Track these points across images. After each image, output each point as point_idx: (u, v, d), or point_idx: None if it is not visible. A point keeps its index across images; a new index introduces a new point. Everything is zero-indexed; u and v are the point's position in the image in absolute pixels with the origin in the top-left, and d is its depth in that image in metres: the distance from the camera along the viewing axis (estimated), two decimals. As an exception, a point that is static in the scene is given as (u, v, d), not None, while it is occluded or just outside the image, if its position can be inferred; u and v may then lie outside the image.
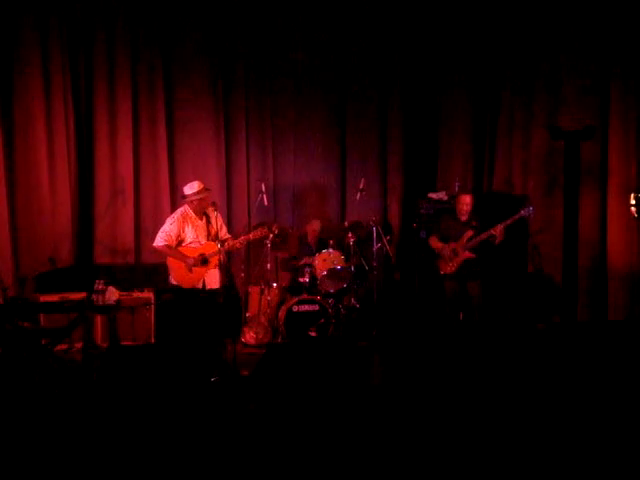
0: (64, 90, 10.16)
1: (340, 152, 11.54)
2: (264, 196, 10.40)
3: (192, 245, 8.74)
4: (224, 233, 8.89)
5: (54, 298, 9.06)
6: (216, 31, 10.81)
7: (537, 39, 10.66)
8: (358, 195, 10.60)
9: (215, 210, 8.74)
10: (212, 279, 8.65)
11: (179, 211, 8.89)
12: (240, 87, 11.08)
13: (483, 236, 9.21)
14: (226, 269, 8.77)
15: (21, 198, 9.97)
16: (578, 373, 7.81)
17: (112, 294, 8.01)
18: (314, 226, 10.74)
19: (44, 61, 10.00)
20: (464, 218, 9.50)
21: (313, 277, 10.15)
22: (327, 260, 10.17)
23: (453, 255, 9.40)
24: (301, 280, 10.19)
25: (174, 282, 8.82)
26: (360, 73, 11.35)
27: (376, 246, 10.36)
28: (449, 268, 9.45)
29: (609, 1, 10.26)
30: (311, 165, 11.43)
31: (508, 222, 9.17)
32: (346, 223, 10.81)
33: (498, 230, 9.11)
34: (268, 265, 10.21)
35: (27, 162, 9.99)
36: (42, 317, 9.18)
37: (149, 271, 10.19)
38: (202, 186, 8.82)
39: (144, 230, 10.63)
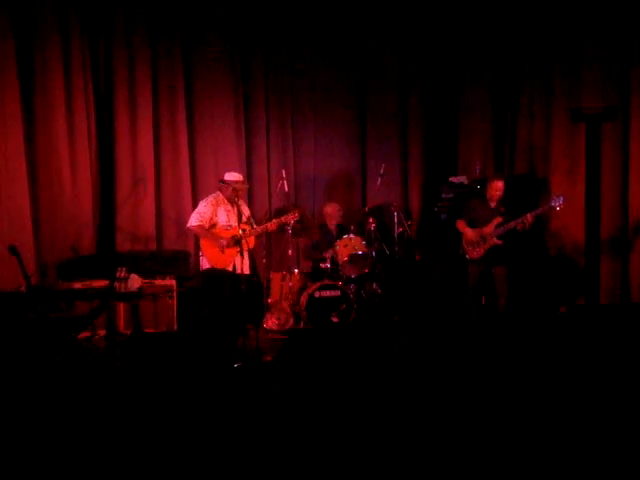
0: (84, 79, 10.16)
1: (360, 138, 11.52)
2: (284, 182, 10.40)
3: (224, 228, 8.94)
4: (256, 226, 9.08)
5: (77, 286, 9.11)
6: (236, 19, 10.80)
7: (557, 23, 10.59)
8: (379, 180, 10.58)
9: (243, 203, 9.08)
10: (239, 264, 8.68)
11: (212, 195, 9.18)
12: (259, 74, 11.08)
13: (512, 224, 9.13)
14: (249, 255, 8.83)
15: (43, 187, 9.99)
16: (600, 357, 7.78)
17: (134, 282, 8.05)
18: (330, 209, 10.74)
19: (64, 51, 10.00)
20: (493, 204, 9.44)
21: (334, 263, 10.16)
22: (348, 246, 10.15)
23: (481, 241, 9.34)
24: (322, 266, 10.20)
25: (207, 265, 8.95)
26: (380, 58, 11.31)
27: (397, 231, 10.34)
28: (476, 253, 9.39)
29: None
30: (331, 151, 11.42)
31: (538, 212, 9.11)
32: (367, 208, 10.81)
33: (528, 219, 9.03)
34: (289, 251, 10.23)
35: (48, 150, 10.01)
36: (65, 305, 9.24)
37: (171, 258, 10.21)
38: (242, 178, 9.14)
39: (165, 217, 10.67)
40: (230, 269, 8.77)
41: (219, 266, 8.86)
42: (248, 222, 8.74)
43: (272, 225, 9.03)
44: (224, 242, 8.81)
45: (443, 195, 10.74)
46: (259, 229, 8.98)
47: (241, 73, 10.96)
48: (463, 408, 6.16)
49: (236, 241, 8.71)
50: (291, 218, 9.11)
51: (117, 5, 10.30)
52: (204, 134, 10.85)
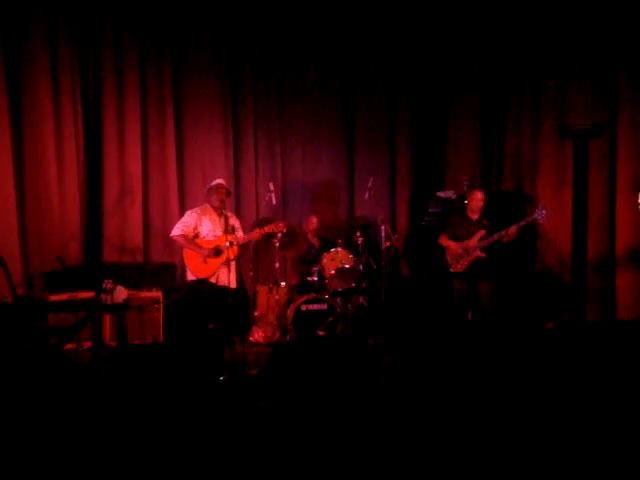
0: (73, 89, 10.17)
1: (348, 151, 11.55)
2: (272, 195, 10.39)
3: (208, 238, 8.94)
4: (240, 235, 9.00)
5: (63, 297, 9.08)
6: (225, 30, 10.85)
7: (546, 39, 10.65)
8: (366, 194, 10.56)
9: (232, 215, 9.15)
10: (224, 276, 8.64)
11: (200, 206, 9.20)
12: (248, 86, 11.11)
13: (496, 236, 9.16)
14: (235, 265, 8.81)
15: (30, 197, 9.99)
16: (586, 373, 7.79)
17: (121, 293, 8.02)
18: (311, 222, 10.75)
19: (52, 61, 10.02)
20: (475, 217, 9.45)
21: (321, 276, 10.15)
22: (335, 259, 10.16)
23: (464, 254, 9.35)
24: (309, 279, 10.20)
25: (191, 277, 8.96)
26: (369, 70, 11.36)
27: (384, 245, 10.33)
28: (459, 267, 9.39)
29: (617, 3, 10.25)
30: (320, 164, 11.44)
31: (522, 223, 9.11)
32: (354, 222, 10.81)
33: (512, 231, 9.06)
34: (276, 264, 10.22)
35: (36, 162, 10.01)
36: (51, 316, 9.20)
37: (158, 270, 10.20)
38: (216, 182, 9.11)
39: (153, 229, 10.67)
40: (213, 280, 8.82)
41: (201, 276, 8.88)
42: (232, 232, 8.67)
43: (255, 235, 9.05)
44: (205, 252, 8.83)
45: (430, 210, 10.74)
46: (242, 239, 8.95)
47: (230, 85, 11.00)
48: (449, 424, 6.15)
49: (217, 251, 8.76)
50: (276, 228, 9.09)
51: (107, 18, 10.33)
52: (192, 146, 10.87)
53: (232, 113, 11.05)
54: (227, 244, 8.39)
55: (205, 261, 8.84)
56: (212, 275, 8.87)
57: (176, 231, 9.00)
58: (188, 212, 9.17)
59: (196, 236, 8.98)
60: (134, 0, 10.44)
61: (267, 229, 9.02)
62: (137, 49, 10.50)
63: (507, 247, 9.30)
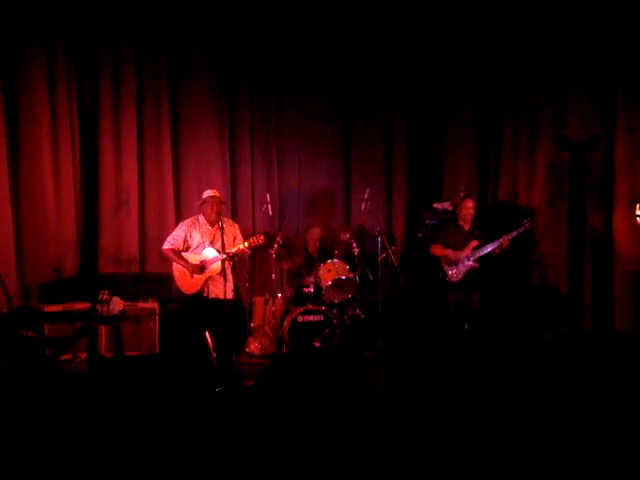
0: (69, 101, 10.15)
1: (345, 162, 11.55)
2: (269, 206, 10.39)
3: (197, 250, 8.82)
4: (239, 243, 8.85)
5: (58, 308, 9.06)
6: (220, 42, 10.84)
7: (542, 50, 10.64)
8: (363, 205, 10.56)
9: (230, 223, 9.02)
10: (217, 288, 8.62)
11: (191, 218, 9.06)
12: (244, 97, 11.10)
13: (489, 247, 9.18)
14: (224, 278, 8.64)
15: (26, 208, 9.96)
16: (583, 384, 7.78)
17: (116, 304, 8.00)
18: (314, 234, 10.73)
19: (49, 72, 10.00)
20: (467, 227, 9.48)
21: (318, 287, 10.14)
22: (332, 270, 10.14)
23: (460, 263, 9.35)
24: (306, 290, 10.18)
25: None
26: (366, 82, 11.37)
27: (381, 256, 10.33)
28: (455, 276, 9.39)
29: (613, 12, 10.24)
30: (316, 175, 11.43)
31: (514, 234, 9.15)
32: (351, 233, 10.79)
33: (505, 241, 9.09)
34: (273, 275, 10.22)
35: (32, 172, 9.97)
36: (46, 327, 9.18)
37: (154, 281, 10.17)
38: (209, 194, 8.87)
39: (148, 240, 10.63)
40: (204, 294, 8.72)
41: (188, 291, 8.80)
42: (222, 248, 8.56)
43: (244, 250, 8.69)
44: (190, 268, 8.73)
45: (427, 221, 10.75)
46: (230, 254, 8.64)
47: (227, 96, 11.00)
48: (447, 436, 6.13)
49: (201, 269, 8.67)
50: (257, 241, 8.62)
51: (104, 31, 10.32)
52: (188, 157, 10.85)
53: (228, 124, 11.03)
54: (223, 256, 8.37)
55: (192, 276, 8.74)
56: (202, 290, 8.79)
57: (166, 245, 8.93)
58: (180, 224, 9.12)
59: (187, 248, 8.89)
60: (131, 14, 10.42)
61: (249, 243, 8.71)
62: (134, 61, 10.48)
63: (503, 258, 9.31)
